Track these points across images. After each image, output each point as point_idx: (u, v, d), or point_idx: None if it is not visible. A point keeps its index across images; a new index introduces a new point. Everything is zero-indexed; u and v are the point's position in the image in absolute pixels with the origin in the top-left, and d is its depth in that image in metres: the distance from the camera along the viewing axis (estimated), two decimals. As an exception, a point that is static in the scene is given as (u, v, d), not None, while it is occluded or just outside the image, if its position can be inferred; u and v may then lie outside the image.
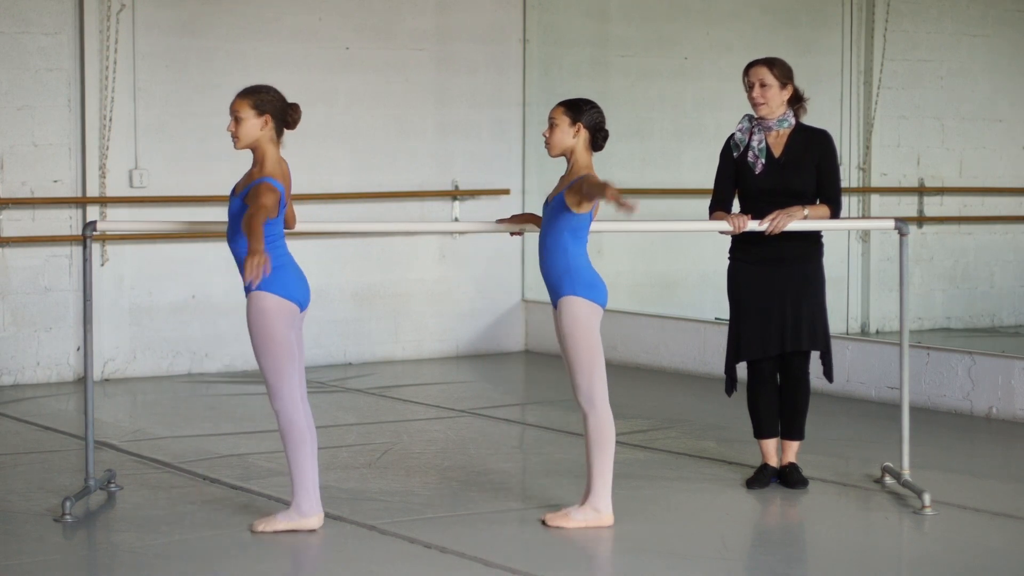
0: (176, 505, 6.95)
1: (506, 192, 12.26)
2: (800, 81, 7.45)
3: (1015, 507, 6.94)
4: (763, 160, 7.21)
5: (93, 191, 10.83)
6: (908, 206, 13.73)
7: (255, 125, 6.33)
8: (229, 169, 11.13)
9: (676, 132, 12.94)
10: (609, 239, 12.31)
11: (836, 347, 10.16)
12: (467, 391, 10.49)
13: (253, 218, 6.12)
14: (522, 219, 7.17)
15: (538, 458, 8.23)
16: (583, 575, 6.09)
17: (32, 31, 10.66)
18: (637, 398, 9.93)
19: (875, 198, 13.57)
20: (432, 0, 12.06)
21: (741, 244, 7.28)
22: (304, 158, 10.72)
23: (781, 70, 7.26)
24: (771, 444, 7.40)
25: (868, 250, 13.47)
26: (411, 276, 12.09)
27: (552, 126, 6.55)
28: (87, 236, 7.06)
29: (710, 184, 7.43)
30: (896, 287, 11.76)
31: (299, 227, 6.91)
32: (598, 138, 6.57)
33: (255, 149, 6.37)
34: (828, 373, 7.39)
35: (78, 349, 10.89)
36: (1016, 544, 6.38)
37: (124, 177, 10.96)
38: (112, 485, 7.23)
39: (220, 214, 11.07)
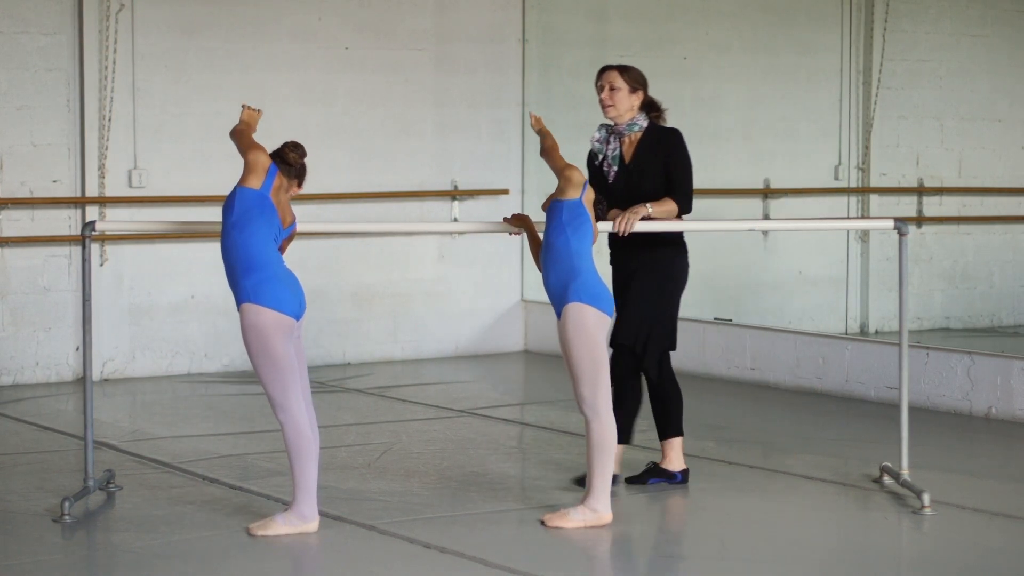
0: (175, 505, 6.95)
1: (505, 192, 12.26)
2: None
3: (1014, 507, 6.94)
4: (616, 168, 7.28)
5: (92, 191, 10.82)
6: (907, 206, 13.73)
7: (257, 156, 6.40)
8: (228, 169, 11.13)
9: (675, 132, 12.92)
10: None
11: (835, 347, 10.22)
12: (466, 391, 10.49)
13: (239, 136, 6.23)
14: (518, 222, 7.13)
15: (537, 458, 8.23)
16: (582, 575, 6.09)
17: (31, 31, 10.66)
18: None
19: (874, 198, 13.57)
20: (431, 0, 12.06)
21: (611, 244, 7.39)
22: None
23: (632, 76, 7.31)
24: (668, 444, 7.39)
25: (867, 250, 13.47)
26: (410, 276, 12.09)
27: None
28: (86, 236, 7.06)
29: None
30: (895, 287, 11.76)
31: (299, 227, 6.87)
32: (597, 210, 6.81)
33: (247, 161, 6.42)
34: (648, 370, 7.33)
35: (77, 349, 10.88)
36: (1015, 544, 6.38)
37: (123, 177, 10.96)
38: (111, 485, 7.23)
39: (219, 214, 11.10)
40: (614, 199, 7.24)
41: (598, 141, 7.35)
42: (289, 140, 6.56)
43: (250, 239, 6.26)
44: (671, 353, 7.43)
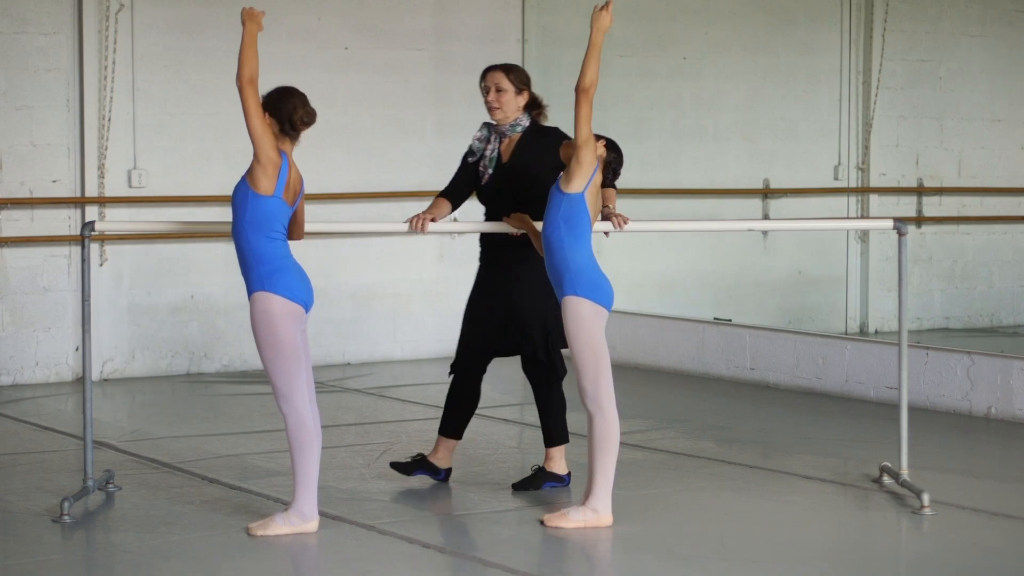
0: (175, 505, 6.95)
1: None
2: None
3: (1014, 507, 6.94)
4: (491, 170, 7.23)
5: (92, 191, 10.82)
6: (907, 206, 13.74)
7: (258, 113, 6.34)
8: (228, 169, 11.16)
9: (675, 132, 12.94)
10: (608, 239, 12.29)
11: (835, 347, 10.22)
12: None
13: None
14: (521, 219, 7.13)
15: (537, 458, 8.21)
16: (582, 575, 6.09)
17: (31, 31, 10.66)
18: (636, 398, 9.93)
19: (874, 198, 13.57)
20: (431, 0, 12.06)
21: (485, 247, 7.33)
22: (302, 158, 10.65)
23: (518, 76, 7.29)
24: (442, 441, 7.36)
25: (867, 250, 13.47)
26: (410, 276, 12.09)
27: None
28: (86, 236, 7.05)
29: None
30: (895, 287, 11.77)
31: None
32: (615, 167, 6.69)
33: (253, 141, 6.36)
34: (546, 373, 7.31)
35: (77, 349, 10.88)
36: (1015, 544, 6.38)
37: (123, 177, 10.96)
38: (111, 485, 7.23)
39: (218, 214, 11.12)
40: (487, 199, 7.23)
41: (479, 140, 7.30)
42: (293, 95, 6.43)
43: (264, 236, 6.28)
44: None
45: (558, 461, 7.32)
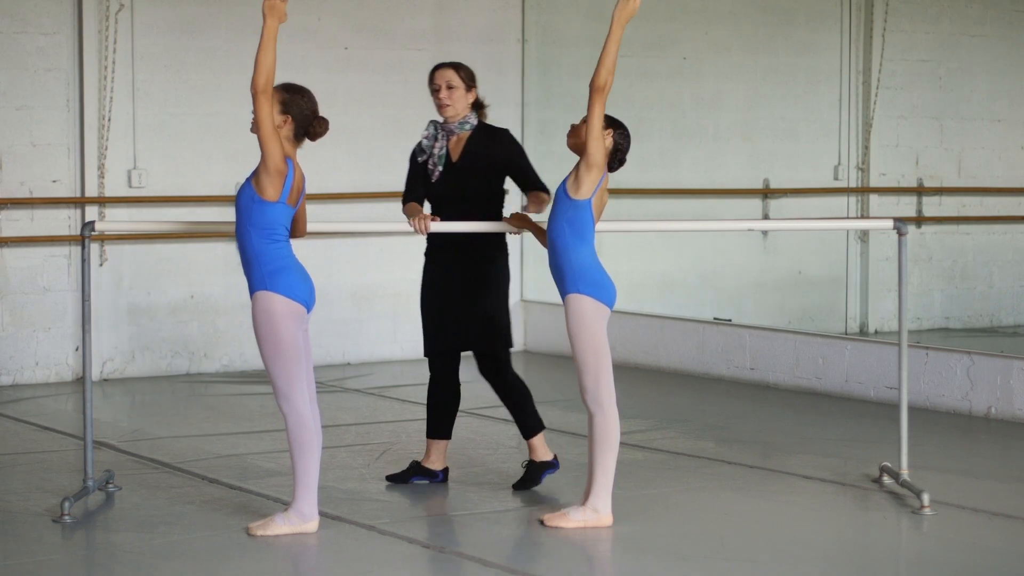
0: (174, 505, 6.95)
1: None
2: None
3: (1014, 507, 6.94)
4: (441, 168, 7.23)
5: (92, 191, 10.82)
6: (907, 206, 13.74)
7: (274, 120, 6.33)
8: (228, 169, 11.16)
9: (675, 132, 12.94)
10: (608, 239, 12.30)
11: (835, 347, 10.22)
12: (466, 391, 10.45)
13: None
14: (517, 221, 7.13)
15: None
16: (582, 575, 6.09)
17: (30, 31, 10.66)
18: (636, 398, 9.93)
19: (874, 198, 13.57)
20: (431, 1, 12.06)
21: (430, 244, 7.33)
22: (302, 158, 10.62)
23: (467, 73, 7.31)
24: (432, 444, 7.38)
25: (867, 250, 13.47)
26: (410, 276, 12.00)
27: (586, 120, 6.50)
28: (86, 236, 7.05)
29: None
30: (895, 287, 11.77)
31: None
32: (620, 151, 6.61)
33: (261, 144, 6.35)
34: (496, 366, 7.34)
35: (77, 349, 10.88)
36: (1015, 544, 6.38)
37: (123, 177, 10.96)
38: (111, 485, 7.23)
39: (218, 214, 11.12)
40: (436, 198, 7.23)
41: (427, 139, 7.30)
42: (314, 102, 6.58)
43: (267, 237, 6.28)
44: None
45: (542, 449, 7.35)
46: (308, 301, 6.38)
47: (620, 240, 12.44)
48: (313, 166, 11.58)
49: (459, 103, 7.24)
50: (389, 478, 7.40)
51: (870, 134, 13.45)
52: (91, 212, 10.82)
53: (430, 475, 7.37)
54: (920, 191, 13.77)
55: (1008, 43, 14.09)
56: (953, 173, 13.91)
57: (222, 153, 11.16)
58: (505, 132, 7.38)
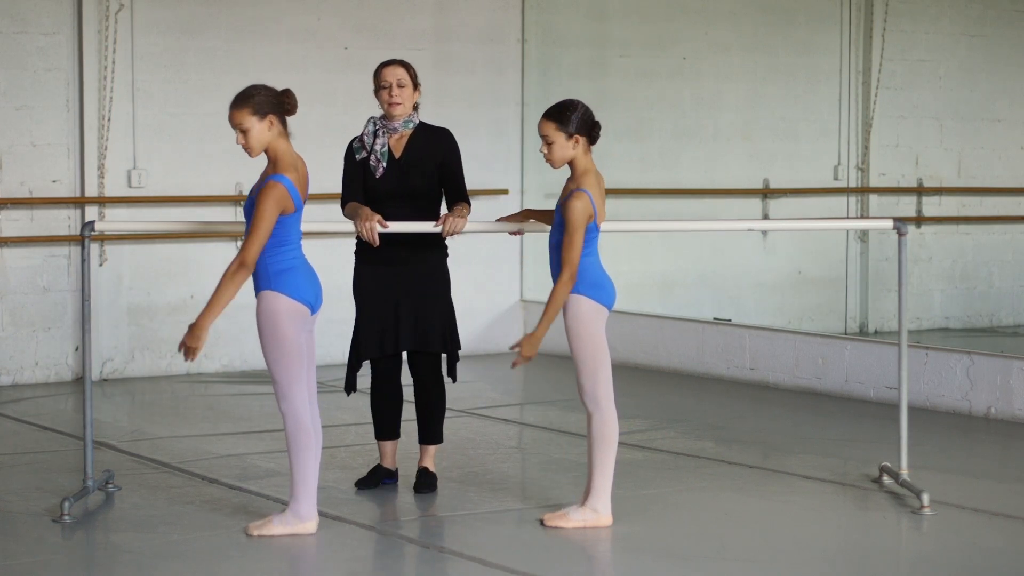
0: (174, 505, 6.95)
1: (504, 192, 12.25)
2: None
3: (1013, 507, 6.94)
4: (384, 164, 7.20)
5: (92, 191, 10.83)
6: (907, 206, 13.74)
7: (262, 130, 6.29)
8: (228, 169, 11.17)
9: (675, 132, 12.94)
10: (608, 239, 12.29)
11: (835, 347, 10.22)
12: (466, 391, 10.48)
13: (250, 232, 6.12)
14: (522, 217, 7.17)
15: (536, 458, 8.23)
16: (582, 575, 6.09)
17: (30, 31, 10.66)
18: (636, 398, 9.93)
19: (874, 198, 13.58)
20: (431, 0, 12.06)
21: (364, 244, 7.24)
22: (303, 158, 10.71)
23: (414, 72, 7.29)
24: (387, 446, 7.34)
25: (867, 250, 13.47)
26: (410, 276, 12.07)
27: (548, 144, 6.61)
28: (85, 236, 7.06)
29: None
30: (895, 287, 11.77)
31: (300, 228, 6.83)
32: (594, 135, 6.61)
33: (267, 150, 6.34)
34: (451, 373, 7.33)
35: (76, 349, 10.88)
36: (1015, 544, 6.38)
37: (122, 177, 10.96)
38: (111, 485, 7.23)
39: (218, 214, 11.12)
40: (380, 195, 7.16)
41: (368, 136, 7.25)
42: (272, 90, 6.37)
43: (278, 243, 6.28)
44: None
45: (432, 460, 7.32)
46: (313, 303, 6.38)
47: (620, 240, 12.44)
48: (313, 166, 11.55)
49: (408, 101, 7.22)
50: (359, 484, 7.29)
51: (870, 134, 13.45)
52: (91, 212, 10.83)
53: (392, 476, 7.36)
54: (920, 191, 13.77)
55: (1008, 43, 14.10)
56: (953, 173, 13.92)
57: (222, 153, 11.15)
58: (445, 132, 7.36)
